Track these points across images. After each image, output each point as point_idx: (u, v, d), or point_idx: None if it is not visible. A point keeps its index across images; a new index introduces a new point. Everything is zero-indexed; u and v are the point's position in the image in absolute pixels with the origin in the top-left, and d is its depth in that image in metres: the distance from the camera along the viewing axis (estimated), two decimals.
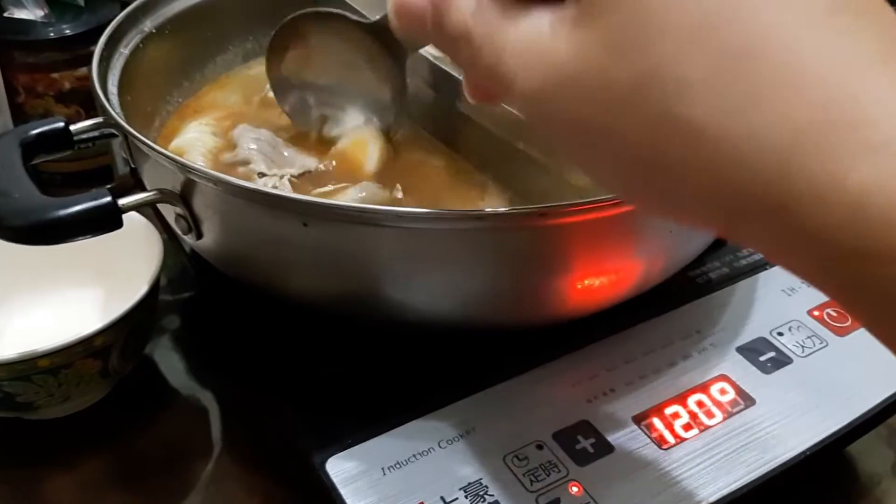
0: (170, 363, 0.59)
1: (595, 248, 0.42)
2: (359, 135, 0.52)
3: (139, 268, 0.52)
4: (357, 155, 0.52)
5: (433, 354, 0.46)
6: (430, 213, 0.38)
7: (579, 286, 0.43)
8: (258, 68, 0.64)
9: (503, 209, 0.41)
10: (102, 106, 0.45)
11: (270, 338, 0.50)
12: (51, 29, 0.67)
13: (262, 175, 0.49)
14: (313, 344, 0.48)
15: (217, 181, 0.39)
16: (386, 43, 0.48)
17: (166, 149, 0.44)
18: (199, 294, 0.63)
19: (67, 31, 0.67)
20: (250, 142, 0.51)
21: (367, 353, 0.46)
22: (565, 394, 0.44)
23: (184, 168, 0.40)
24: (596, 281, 0.43)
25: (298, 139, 0.54)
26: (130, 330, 0.51)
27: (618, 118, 0.22)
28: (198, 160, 0.52)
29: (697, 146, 0.21)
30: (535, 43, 0.24)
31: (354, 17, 0.49)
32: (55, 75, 0.68)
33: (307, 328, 0.48)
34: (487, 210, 0.42)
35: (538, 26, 0.24)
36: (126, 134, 0.43)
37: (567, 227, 0.39)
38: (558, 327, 0.46)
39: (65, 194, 0.37)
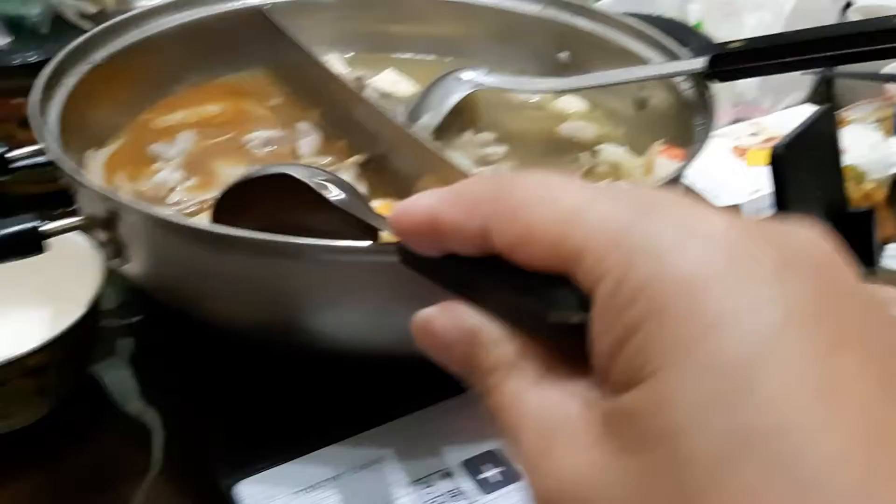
0: (117, 384, 0.60)
1: None
2: None
3: (82, 290, 0.54)
4: None
5: (349, 383, 0.47)
6: (338, 247, 0.39)
7: None
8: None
9: None
10: (40, 131, 0.46)
11: (207, 362, 0.51)
12: (15, 56, 0.69)
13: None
14: (239, 370, 0.49)
15: (129, 209, 0.40)
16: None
17: None
18: (148, 316, 0.64)
19: (31, 59, 0.69)
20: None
21: (285, 381, 0.47)
22: (477, 425, 0.46)
23: (103, 196, 0.41)
24: None
25: None
26: (68, 350, 0.52)
27: None
28: None
29: None
30: (559, 441, 0.21)
31: (316, 188, 0.38)
32: (18, 101, 0.70)
33: (236, 355, 0.49)
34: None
35: (567, 418, 0.21)
36: (56, 160, 0.44)
37: None
38: None
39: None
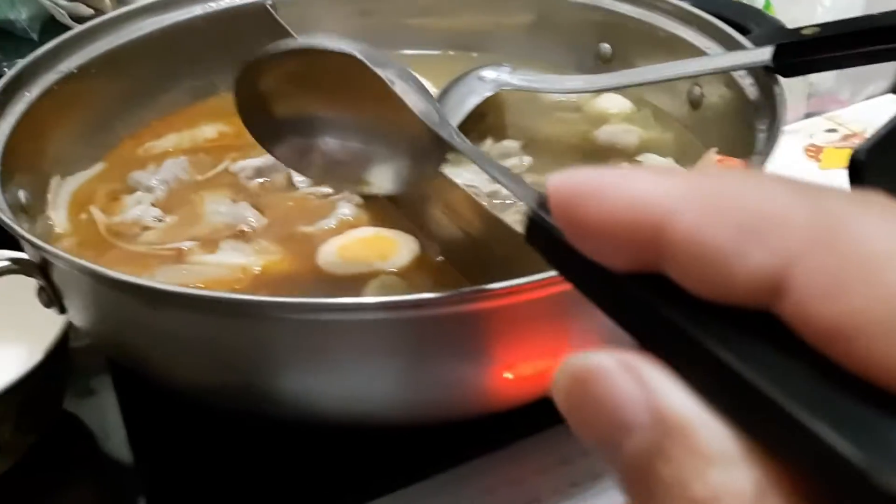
0: (96, 425, 0.54)
1: (519, 334, 0.35)
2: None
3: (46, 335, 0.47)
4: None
5: (323, 457, 0.39)
6: (306, 304, 0.32)
7: (505, 376, 0.36)
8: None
9: (394, 297, 0.34)
10: None
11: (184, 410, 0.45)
12: (4, 64, 0.64)
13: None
14: (210, 426, 0.42)
15: (60, 258, 0.33)
16: None
17: None
18: None
19: None
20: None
21: (259, 452, 0.40)
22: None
23: (33, 245, 0.35)
24: (525, 370, 0.36)
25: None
26: (23, 402, 0.46)
27: None
28: None
29: None
30: None
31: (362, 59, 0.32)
32: None
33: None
34: (375, 299, 0.35)
35: None
36: None
37: (483, 312, 0.33)
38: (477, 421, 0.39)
39: None
